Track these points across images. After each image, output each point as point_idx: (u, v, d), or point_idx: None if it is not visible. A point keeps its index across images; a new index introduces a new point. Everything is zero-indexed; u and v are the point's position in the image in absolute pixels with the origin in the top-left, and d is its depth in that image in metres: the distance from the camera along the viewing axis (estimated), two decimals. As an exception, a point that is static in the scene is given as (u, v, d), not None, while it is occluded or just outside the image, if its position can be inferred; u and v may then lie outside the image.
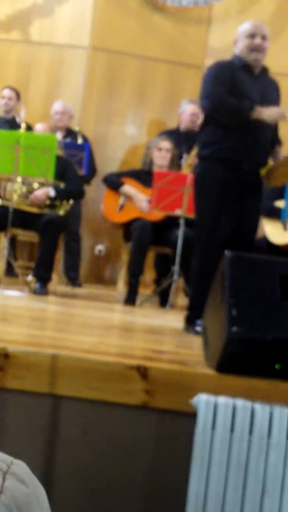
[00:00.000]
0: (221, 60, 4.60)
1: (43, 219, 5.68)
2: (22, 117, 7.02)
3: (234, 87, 4.35)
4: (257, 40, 4.44)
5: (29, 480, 0.94)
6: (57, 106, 7.18)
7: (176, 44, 7.76)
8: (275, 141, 4.53)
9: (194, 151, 7.01)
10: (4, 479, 0.92)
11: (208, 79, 4.42)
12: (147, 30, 7.75)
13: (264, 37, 4.48)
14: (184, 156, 6.85)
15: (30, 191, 5.78)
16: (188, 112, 7.21)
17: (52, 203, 5.78)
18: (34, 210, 5.73)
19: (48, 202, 5.77)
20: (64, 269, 6.89)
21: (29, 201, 5.75)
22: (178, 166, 6.50)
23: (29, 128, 6.67)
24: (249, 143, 4.30)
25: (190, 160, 6.94)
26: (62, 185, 5.80)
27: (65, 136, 7.06)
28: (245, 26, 4.55)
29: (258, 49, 4.44)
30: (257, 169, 4.41)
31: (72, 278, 6.80)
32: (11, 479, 0.92)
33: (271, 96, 4.47)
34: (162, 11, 7.75)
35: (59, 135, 7.02)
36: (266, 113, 4.26)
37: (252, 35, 4.46)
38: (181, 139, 6.80)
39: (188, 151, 6.96)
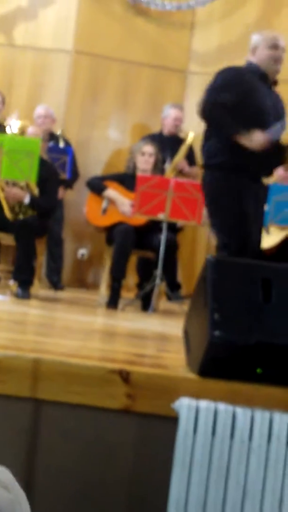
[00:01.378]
0: (236, 65, 4.56)
1: (18, 223, 5.67)
2: (12, 121, 6.99)
3: (248, 94, 4.32)
4: (280, 52, 4.45)
5: (12, 486, 0.94)
6: (39, 110, 7.17)
7: (159, 49, 7.77)
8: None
9: (179, 156, 7.02)
10: None
11: (216, 85, 4.38)
12: (131, 34, 7.75)
13: (283, 50, 4.50)
14: (168, 160, 6.86)
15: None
16: (172, 116, 7.23)
17: (21, 209, 5.77)
18: (5, 209, 5.71)
19: (17, 206, 5.76)
20: (46, 272, 6.87)
21: (4, 193, 5.75)
22: (162, 170, 6.51)
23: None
24: (259, 151, 4.27)
25: (174, 164, 6.95)
26: (36, 193, 5.78)
27: (47, 140, 7.04)
28: (267, 36, 4.53)
29: (280, 61, 4.46)
30: (268, 176, 4.39)
31: (54, 281, 6.79)
32: None
33: (281, 107, 4.48)
34: (145, 15, 7.76)
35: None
36: (254, 139, 4.22)
37: (275, 46, 4.46)
38: (164, 143, 6.81)
39: (172, 155, 6.97)
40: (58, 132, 7.24)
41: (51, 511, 2.81)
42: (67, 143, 7.16)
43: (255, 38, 4.57)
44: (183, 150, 7.06)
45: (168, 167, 6.89)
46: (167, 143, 6.97)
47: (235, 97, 4.29)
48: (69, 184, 7.05)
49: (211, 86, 4.40)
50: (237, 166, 4.27)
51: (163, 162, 6.71)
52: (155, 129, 7.54)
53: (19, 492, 0.96)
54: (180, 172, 7.01)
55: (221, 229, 4.40)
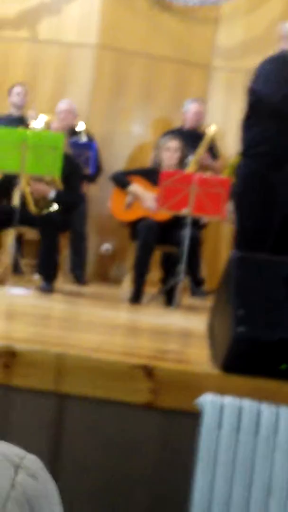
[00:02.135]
0: (276, 55, 4.50)
1: (42, 217, 5.69)
2: (33, 115, 7.01)
3: None
4: None
5: (41, 476, 0.92)
6: (62, 104, 7.18)
7: (183, 43, 7.75)
8: None
9: (202, 149, 7.01)
10: (16, 473, 0.90)
11: (275, 75, 4.31)
12: (155, 29, 7.74)
13: None
14: (190, 154, 6.85)
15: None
16: (192, 111, 7.22)
17: (46, 203, 5.79)
18: (30, 203, 5.74)
19: (42, 200, 5.78)
20: (70, 267, 6.89)
21: (29, 188, 5.78)
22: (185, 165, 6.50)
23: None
24: None
25: (196, 157, 6.94)
26: (60, 188, 5.80)
27: (70, 135, 7.05)
28: None
29: None
30: None
31: (78, 276, 6.80)
32: (22, 474, 0.90)
33: None
34: (169, 10, 7.74)
35: None
36: None
37: None
38: (185, 138, 6.80)
39: (194, 149, 6.96)
40: (81, 127, 7.24)
41: (75, 504, 2.82)
42: (90, 138, 7.16)
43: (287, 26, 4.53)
44: (205, 143, 7.05)
45: (190, 161, 6.88)
46: (188, 138, 6.95)
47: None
48: (92, 179, 7.06)
49: (267, 77, 4.32)
50: (278, 157, 4.23)
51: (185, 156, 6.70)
52: (178, 124, 7.52)
53: (48, 481, 0.94)
54: (202, 166, 6.99)
55: (244, 223, 4.37)
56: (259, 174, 4.27)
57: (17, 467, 0.91)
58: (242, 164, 4.41)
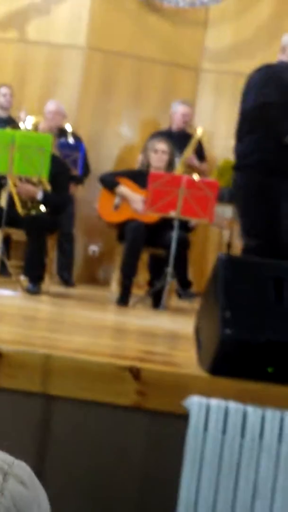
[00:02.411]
0: (268, 64, 4.53)
1: (29, 219, 5.68)
2: (22, 117, 7.00)
3: (286, 91, 4.30)
4: None
5: (30, 482, 0.92)
6: (50, 105, 7.17)
7: (172, 46, 7.75)
8: None
9: (189, 151, 7.02)
10: (4, 479, 0.90)
11: (260, 84, 4.34)
12: (144, 31, 7.74)
13: None
14: (177, 155, 6.86)
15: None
16: (179, 112, 7.24)
17: (33, 205, 5.78)
18: (17, 204, 5.72)
19: (29, 201, 5.77)
20: (57, 269, 6.88)
21: (17, 189, 5.76)
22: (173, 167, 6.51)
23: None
24: None
25: (184, 159, 6.95)
26: (48, 189, 5.79)
27: (57, 136, 7.04)
28: None
29: None
30: None
31: (65, 278, 6.79)
32: (11, 480, 0.90)
33: None
34: (159, 12, 7.75)
35: None
36: None
37: None
38: (173, 139, 6.81)
39: (181, 151, 6.97)
40: (68, 128, 7.24)
41: (61, 506, 2.81)
42: (78, 139, 7.16)
43: (286, 38, 4.57)
44: (192, 145, 7.06)
45: (177, 162, 6.89)
46: (176, 139, 6.97)
47: (278, 95, 4.26)
48: (80, 180, 7.06)
49: (252, 86, 4.36)
50: (271, 166, 4.25)
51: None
52: (167, 126, 7.53)
53: (37, 488, 0.94)
54: (189, 168, 7.01)
55: (250, 232, 4.38)
56: (256, 184, 4.29)
57: (5, 474, 0.91)
58: (237, 177, 4.42)
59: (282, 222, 4.29)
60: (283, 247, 4.25)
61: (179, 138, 7.07)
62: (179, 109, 7.26)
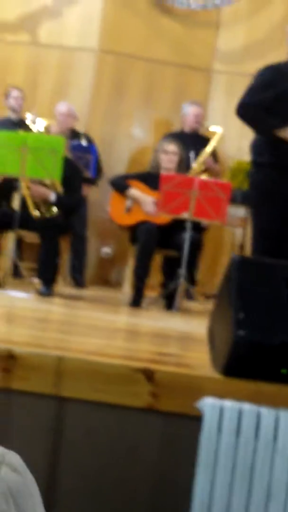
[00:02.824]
0: (274, 64, 4.54)
1: (42, 221, 5.69)
2: (33, 119, 7.01)
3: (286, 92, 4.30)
4: None
5: (23, 470, 0.98)
6: (61, 107, 7.18)
7: (184, 47, 7.75)
8: None
9: (207, 152, 7.02)
10: None
11: (254, 85, 4.39)
12: (156, 33, 7.74)
13: None
14: (192, 156, 6.86)
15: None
16: (192, 113, 7.24)
17: (46, 207, 5.79)
18: (30, 206, 5.73)
19: (42, 204, 5.78)
20: (69, 270, 6.88)
21: (30, 191, 5.77)
22: (186, 169, 6.50)
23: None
24: None
25: (202, 160, 6.95)
26: (61, 191, 5.80)
27: (69, 138, 7.05)
28: None
29: None
30: None
31: (77, 279, 6.79)
32: (5, 469, 0.96)
33: None
34: (170, 14, 7.75)
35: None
36: None
37: None
38: (187, 140, 6.82)
39: (196, 152, 6.97)
40: (81, 130, 7.24)
41: (74, 508, 2.81)
42: (90, 142, 7.16)
43: None
44: (211, 147, 7.07)
45: (193, 163, 6.90)
46: (190, 140, 6.98)
47: (275, 95, 4.28)
48: (93, 181, 7.06)
49: (250, 87, 4.40)
50: (283, 165, 4.25)
51: (188, 159, 6.72)
52: (179, 127, 7.53)
53: (28, 475, 1.00)
54: (206, 169, 7.02)
55: (260, 232, 4.37)
56: (270, 181, 4.28)
57: (0, 463, 0.96)
58: (254, 171, 4.44)
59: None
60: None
61: (193, 139, 7.09)
62: (191, 110, 7.26)
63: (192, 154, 6.89)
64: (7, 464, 0.97)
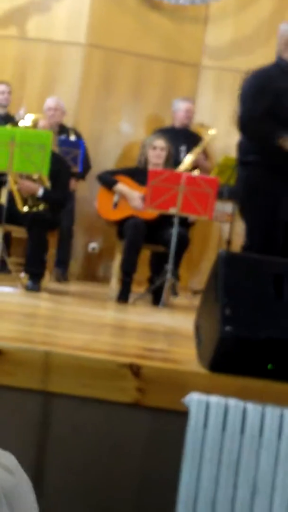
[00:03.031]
0: (260, 69, 4.44)
1: (30, 216, 5.68)
2: (21, 114, 6.99)
3: (280, 98, 4.25)
4: None
5: (16, 471, 0.97)
6: (50, 102, 7.17)
7: (172, 42, 7.75)
8: None
9: (198, 150, 7.03)
10: None
11: (247, 95, 4.31)
12: (144, 28, 7.74)
13: None
14: (183, 151, 6.89)
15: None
16: (183, 109, 7.27)
17: (34, 202, 5.78)
18: (18, 201, 5.72)
19: (30, 198, 5.77)
20: (54, 264, 6.87)
21: (17, 186, 5.76)
22: (174, 164, 6.50)
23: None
24: None
25: (193, 158, 6.96)
26: (48, 186, 5.79)
27: (58, 133, 7.05)
28: None
29: None
30: None
31: (60, 273, 6.78)
32: None
33: None
34: (159, 9, 7.74)
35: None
36: None
37: None
38: (178, 136, 6.84)
39: (187, 147, 6.99)
40: (69, 125, 7.23)
41: (60, 503, 2.81)
42: (79, 136, 7.15)
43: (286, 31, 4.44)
44: (204, 144, 7.09)
45: (184, 158, 6.92)
46: (181, 136, 7.02)
47: (269, 102, 4.22)
48: (81, 175, 7.06)
49: (243, 97, 4.33)
50: (272, 165, 4.24)
51: (178, 154, 6.74)
52: (168, 122, 7.53)
53: (22, 476, 1.00)
54: (196, 165, 7.04)
55: (249, 230, 4.37)
56: (256, 180, 4.28)
57: None
58: (241, 171, 4.41)
59: (278, 223, 4.28)
60: (277, 245, 4.25)
61: (183, 135, 7.11)
62: (182, 106, 7.29)
63: (183, 147, 6.93)
64: (1, 464, 0.96)
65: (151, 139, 6.28)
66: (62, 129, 7.09)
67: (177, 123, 7.28)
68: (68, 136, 7.07)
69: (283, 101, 4.27)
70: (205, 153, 7.21)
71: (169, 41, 7.74)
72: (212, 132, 7.12)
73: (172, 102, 7.45)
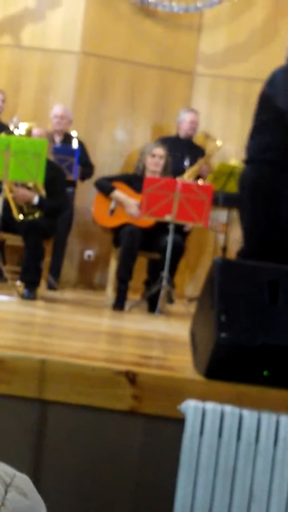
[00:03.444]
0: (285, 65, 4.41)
1: (25, 224, 5.68)
2: (15, 122, 7.00)
3: None
4: None
5: (30, 493, 0.96)
6: (57, 109, 7.21)
7: (167, 50, 7.77)
8: None
9: (202, 162, 7.04)
10: (6, 491, 0.94)
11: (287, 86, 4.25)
12: (138, 36, 7.76)
13: None
14: (187, 162, 6.93)
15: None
16: (188, 120, 7.31)
17: (30, 210, 5.78)
18: (14, 209, 5.72)
19: (25, 206, 5.78)
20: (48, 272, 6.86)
21: (13, 194, 5.76)
22: (178, 173, 6.54)
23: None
24: None
25: (196, 168, 6.98)
26: (43, 194, 5.79)
27: (62, 141, 7.09)
28: None
29: None
30: None
31: (51, 281, 6.75)
32: (13, 492, 0.95)
33: None
34: (153, 17, 7.76)
35: (57, 139, 7.05)
36: None
37: None
38: (182, 146, 6.91)
39: (190, 157, 7.02)
40: (74, 133, 7.24)
41: (56, 510, 2.81)
42: (81, 145, 7.18)
43: None
44: (208, 156, 7.12)
45: (187, 168, 6.96)
46: (185, 146, 7.09)
47: None
48: (86, 176, 7.07)
49: (283, 88, 4.25)
50: (285, 165, 4.20)
51: (182, 164, 6.80)
52: (162, 130, 7.55)
53: (37, 499, 0.99)
54: (198, 176, 7.08)
55: (249, 232, 4.32)
56: (266, 180, 4.24)
57: (7, 486, 0.95)
58: (249, 170, 4.33)
59: (280, 225, 4.25)
60: (279, 247, 4.23)
61: (187, 146, 7.17)
62: (187, 117, 7.34)
63: (187, 158, 6.98)
64: (15, 486, 0.95)
65: (151, 147, 6.29)
66: (67, 138, 7.12)
67: (182, 133, 7.33)
68: (71, 144, 7.09)
69: None
70: (208, 164, 7.24)
71: (164, 49, 7.76)
72: (219, 143, 7.16)
73: (168, 110, 7.48)
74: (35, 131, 6.49)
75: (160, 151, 6.17)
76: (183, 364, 3.19)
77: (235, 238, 7.15)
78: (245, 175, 4.35)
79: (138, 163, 6.25)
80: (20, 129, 6.32)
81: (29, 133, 6.26)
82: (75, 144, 7.12)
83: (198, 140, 7.44)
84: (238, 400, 2.70)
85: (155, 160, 6.13)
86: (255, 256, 3.98)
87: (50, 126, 7.11)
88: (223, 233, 7.01)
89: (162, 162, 6.15)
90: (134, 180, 6.11)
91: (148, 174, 6.05)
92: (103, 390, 2.81)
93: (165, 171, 6.17)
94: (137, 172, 6.21)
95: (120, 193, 6.07)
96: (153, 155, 6.14)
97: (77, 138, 7.22)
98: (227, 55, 7.73)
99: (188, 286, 7.48)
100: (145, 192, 5.72)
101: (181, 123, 7.35)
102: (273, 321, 2.84)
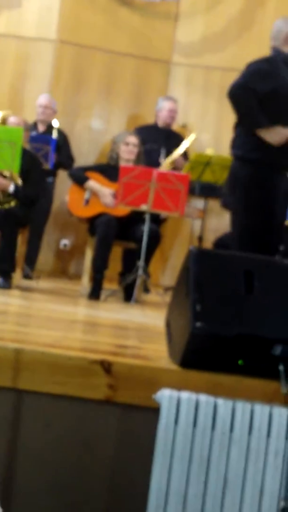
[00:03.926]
0: (269, 57, 4.36)
1: (1, 213, 5.65)
2: None
3: (282, 88, 4.19)
4: None
5: None
6: (42, 99, 7.19)
7: (143, 39, 7.75)
8: None
9: (178, 153, 7.03)
10: None
11: (251, 72, 4.20)
12: (115, 24, 7.73)
13: None
14: (162, 152, 6.90)
15: None
16: (167, 108, 7.27)
17: (5, 199, 5.74)
18: None
19: (1, 195, 5.74)
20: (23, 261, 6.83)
21: None
22: (154, 163, 6.53)
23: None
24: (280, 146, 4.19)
25: (172, 160, 6.96)
26: (19, 183, 5.75)
27: (45, 131, 7.06)
28: None
29: None
30: None
31: (26, 270, 6.73)
32: None
33: None
34: (129, 5, 7.73)
35: (40, 128, 7.03)
36: (274, 137, 4.15)
37: None
38: (159, 135, 6.86)
39: (167, 147, 6.99)
40: (55, 124, 7.21)
41: (32, 500, 2.81)
42: (63, 135, 7.15)
43: (284, 26, 4.36)
44: (183, 148, 7.09)
45: (163, 159, 6.93)
46: (162, 135, 7.04)
47: (268, 89, 4.15)
48: (51, 172, 7.04)
49: (246, 72, 4.22)
50: (272, 163, 4.19)
51: (159, 154, 6.77)
52: (138, 119, 7.54)
53: None
54: (174, 167, 7.05)
55: (244, 232, 4.30)
56: (260, 180, 4.23)
57: None
58: (240, 168, 4.29)
59: (275, 221, 4.26)
60: (272, 242, 4.24)
61: (165, 135, 7.13)
62: (165, 105, 7.28)
63: (162, 150, 6.95)
64: None
65: (124, 135, 6.27)
66: (50, 128, 7.10)
67: (160, 122, 7.28)
68: (51, 134, 7.07)
69: (282, 94, 4.20)
70: (186, 155, 7.22)
71: (140, 38, 7.74)
72: (192, 137, 7.10)
73: (144, 99, 7.46)
74: (12, 119, 6.45)
75: (133, 139, 6.16)
76: (158, 353, 3.19)
77: (211, 228, 7.16)
78: (238, 173, 4.31)
79: (111, 152, 6.23)
80: None
81: (4, 121, 6.22)
82: (55, 134, 7.08)
83: (176, 129, 7.42)
84: (213, 389, 2.71)
85: (129, 148, 6.12)
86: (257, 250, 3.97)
87: (24, 115, 7.06)
88: (200, 220, 7.01)
89: (135, 150, 6.14)
90: (108, 169, 6.09)
91: (122, 163, 6.03)
92: (78, 380, 2.81)
93: (138, 159, 6.16)
94: (110, 161, 6.20)
95: (94, 183, 6.06)
96: (127, 144, 6.13)
97: (60, 129, 7.19)
98: (204, 45, 7.72)
99: (163, 275, 7.49)
100: (121, 181, 5.71)
101: (160, 111, 7.31)
102: (248, 311, 2.85)
